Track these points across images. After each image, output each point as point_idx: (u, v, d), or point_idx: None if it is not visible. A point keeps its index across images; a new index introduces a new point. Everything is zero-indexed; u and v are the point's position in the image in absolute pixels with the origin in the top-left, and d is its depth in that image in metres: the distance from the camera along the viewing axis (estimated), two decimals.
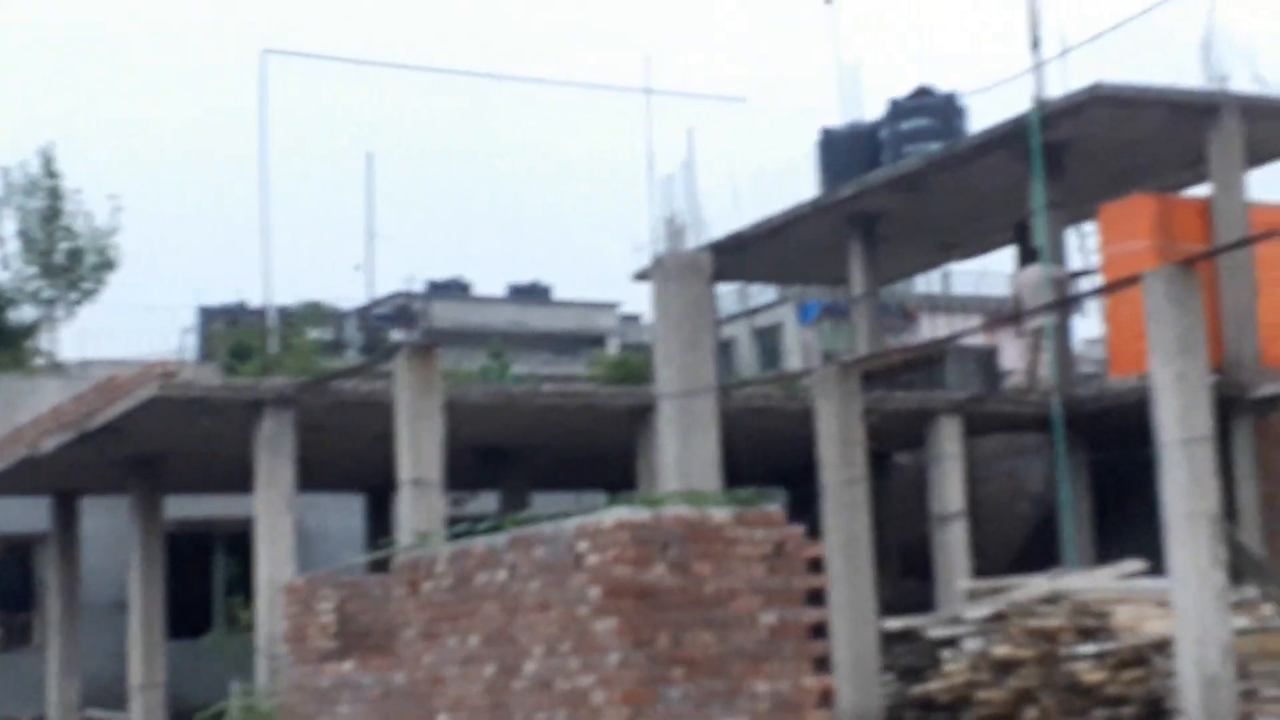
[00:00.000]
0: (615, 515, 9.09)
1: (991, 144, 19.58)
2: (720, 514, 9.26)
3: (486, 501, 21.51)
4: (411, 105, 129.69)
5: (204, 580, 22.53)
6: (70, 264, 27.19)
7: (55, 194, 27.56)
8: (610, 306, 66.11)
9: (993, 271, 39.06)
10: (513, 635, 9.76)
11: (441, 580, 10.59)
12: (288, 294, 31.51)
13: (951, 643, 13.86)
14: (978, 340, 22.57)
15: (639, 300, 68.07)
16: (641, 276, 23.69)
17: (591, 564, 9.10)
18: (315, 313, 37.39)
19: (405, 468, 14.01)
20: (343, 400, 16.62)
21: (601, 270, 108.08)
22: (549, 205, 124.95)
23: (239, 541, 18.62)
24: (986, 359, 21.97)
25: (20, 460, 18.57)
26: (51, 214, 27.44)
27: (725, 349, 42.51)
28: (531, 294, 67.55)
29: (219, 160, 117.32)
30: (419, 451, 14.02)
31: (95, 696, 20.05)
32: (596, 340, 62.94)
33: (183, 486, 19.87)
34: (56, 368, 26.33)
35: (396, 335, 44.75)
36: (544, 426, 18.59)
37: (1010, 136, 18.95)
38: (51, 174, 27.46)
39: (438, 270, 76.76)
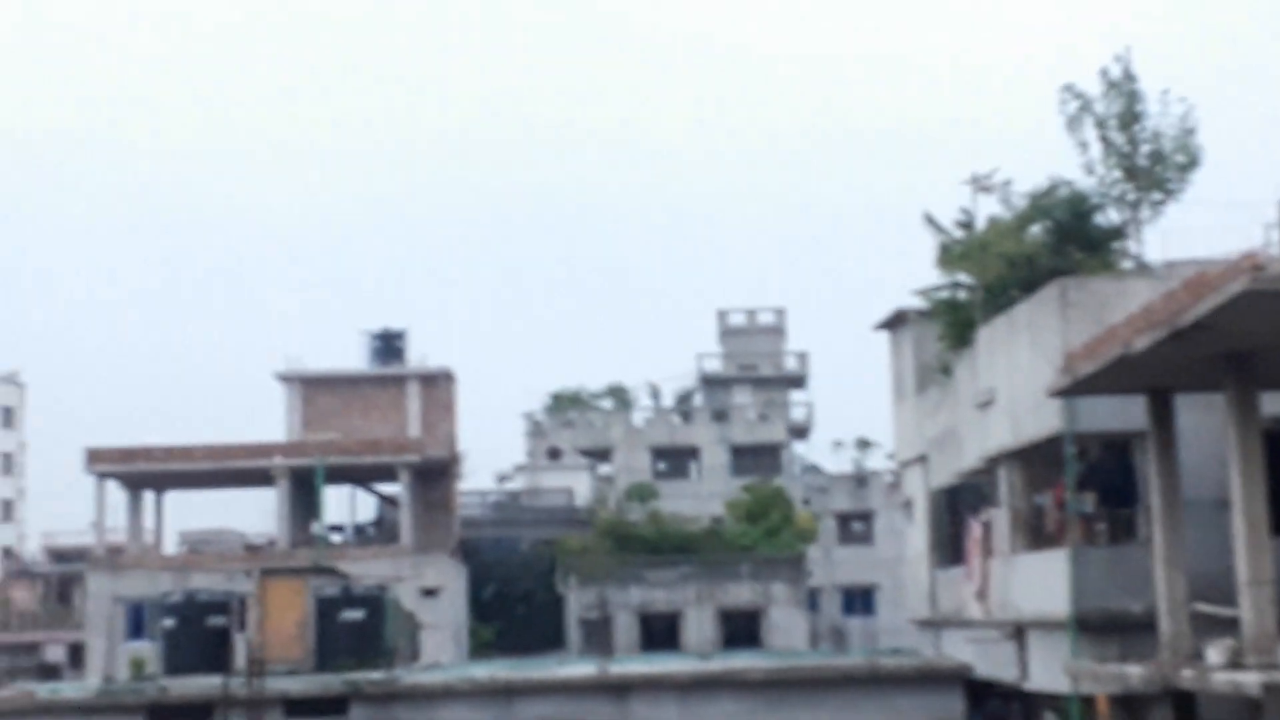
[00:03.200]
0: None
1: None
2: None
3: None
4: None
5: None
6: (1152, 165, 27.43)
7: (1134, 96, 27.87)
8: None
9: None
10: None
11: None
12: None
13: None
14: None
15: None
16: None
17: None
18: None
19: None
20: None
21: None
22: None
23: None
24: None
25: (1114, 359, 19.10)
26: (1131, 117, 27.81)
27: None
28: None
29: None
30: None
31: (1201, 591, 20.21)
32: None
33: (1278, 382, 19.40)
34: (1143, 268, 26.67)
35: None
36: None
37: None
38: (1130, 77, 27.78)
39: None
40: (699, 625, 51.44)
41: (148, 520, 51.79)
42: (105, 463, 48.14)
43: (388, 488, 54.19)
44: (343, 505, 54.64)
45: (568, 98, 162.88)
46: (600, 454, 73.08)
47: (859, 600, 66.25)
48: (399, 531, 49.41)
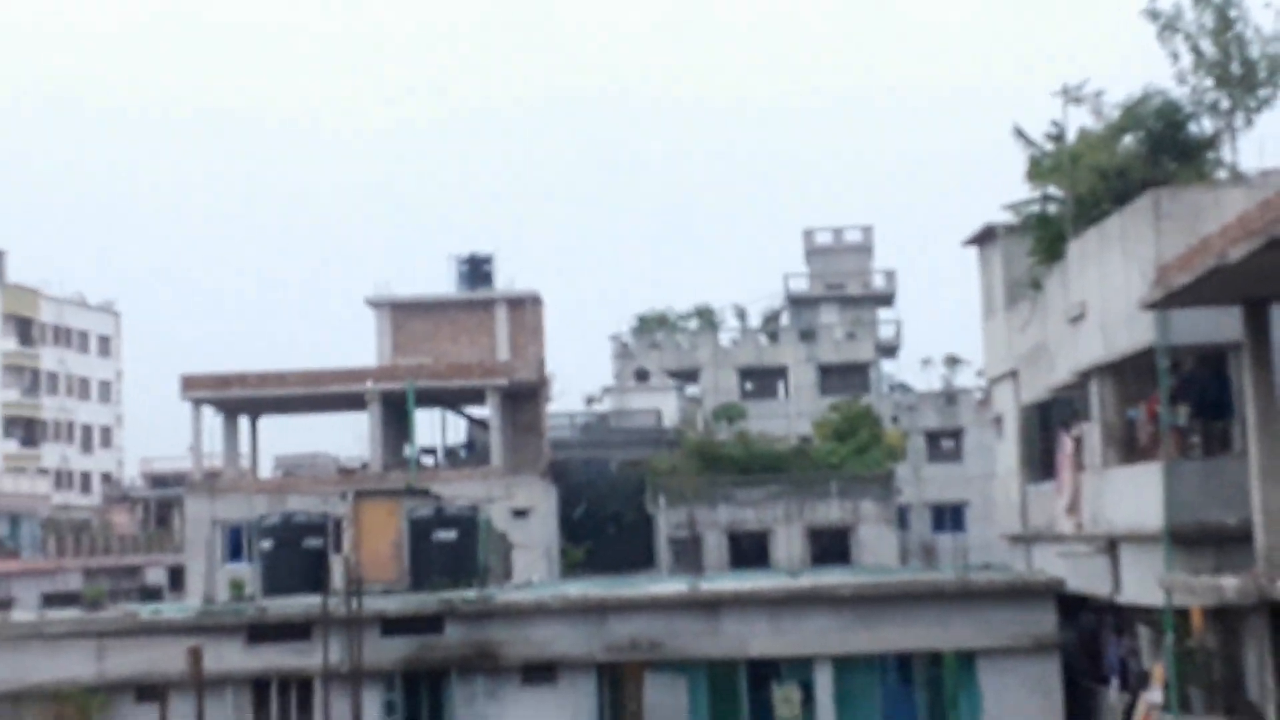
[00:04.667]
0: None
1: None
2: None
3: None
4: None
5: None
6: (1245, 73, 26.82)
7: (1226, 4, 27.24)
8: None
9: None
10: None
11: None
12: None
13: None
14: None
15: None
16: None
17: None
18: None
19: None
20: None
21: None
22: None
23: None
24: None
25: (1209, 270, 18.79)
26: (1223, 24, 27.18)
27: None
28: None
29: None
30: None
31: None
32: None
33: None
34: (1238, 177, 26.17)
35: None
36: None
37: None
38: None
39: None
40: (788, 543, 51.62)
41: (243, 445, 52.65)
42: (201, 389, 48.94)
43: (477, 411, 54.69)
44: (433, 428, 55.24)
45: (651, 15, 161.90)
46: (687, 375, 73.22)
47: (948, 517, 66.18)
48: (489, 453, 49.89)
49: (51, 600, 45.89)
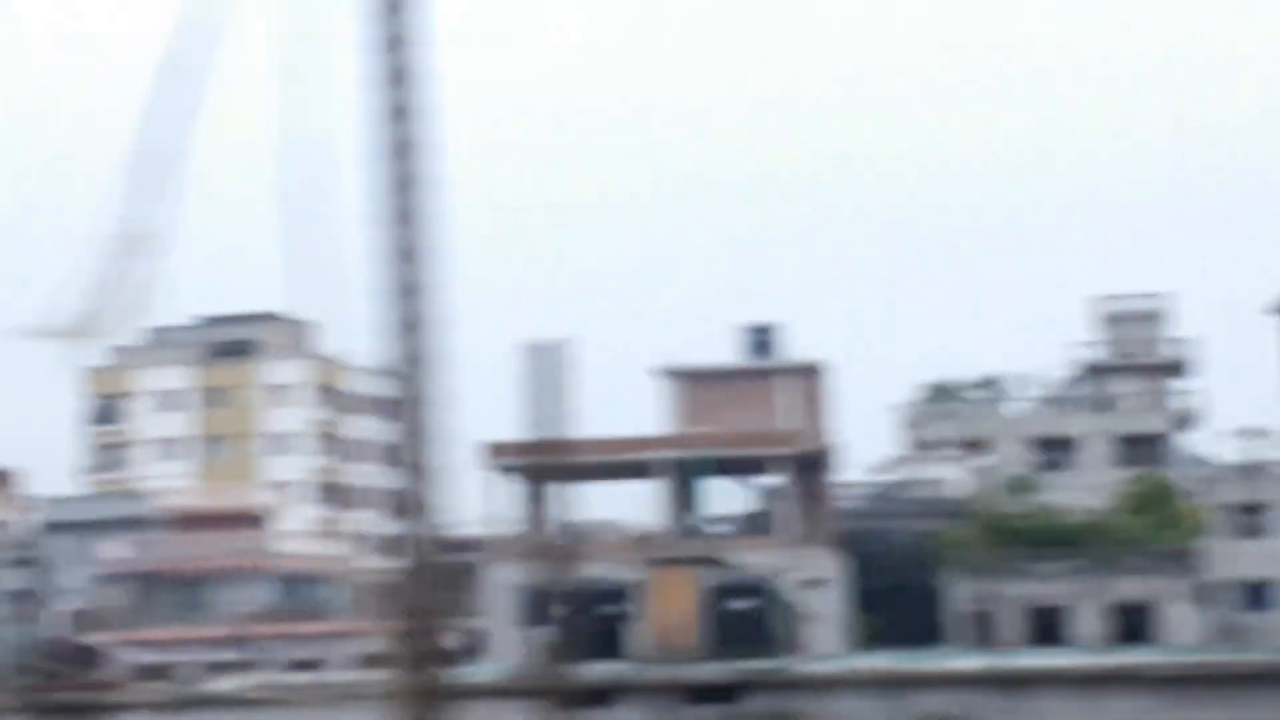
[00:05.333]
0: None
1: None
2: None
3: None
4: None
5: None
6: None
7: None
8: None
9: None
10: None
11: None
12: None
13: None
14: None
15: None
16: None
17: None
18: None
19: None
20: None
21: None
22: None
23: None
24: None
25: None
26: None
27: None
28: None
29: None
30: None
31: None
32: None
33: None
34: None
35: None
36: None
37: None
38: None
39: None
40: (1086, 620, 50.27)
41: (540, 511, 53.83)
42: (507, 455, 50.29)
43: (764, 480, 54.90)
44: (720, 497, 55.57)
45: (930, 79, 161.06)
46: (975, 445, 72.08)
47: (1257, 595, 63.39)
48: (778, 523, 50.02)
49: (361, 662, 47.66)
